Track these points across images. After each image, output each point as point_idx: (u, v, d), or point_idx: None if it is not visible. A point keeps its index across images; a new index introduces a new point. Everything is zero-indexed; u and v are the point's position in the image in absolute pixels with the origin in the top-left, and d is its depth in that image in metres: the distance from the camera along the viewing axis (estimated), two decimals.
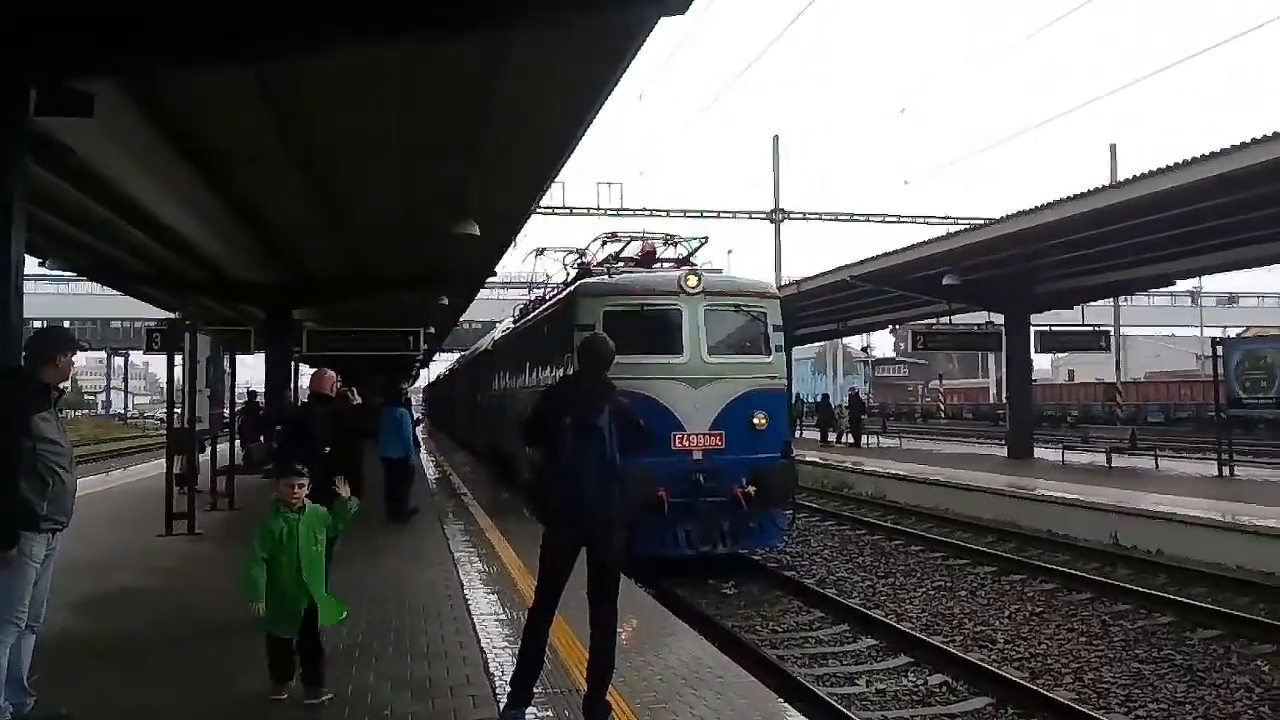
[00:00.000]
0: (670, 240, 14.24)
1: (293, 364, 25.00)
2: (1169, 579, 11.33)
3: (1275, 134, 12.14)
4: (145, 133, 9.54)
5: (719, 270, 12.87)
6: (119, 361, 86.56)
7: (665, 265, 13.39)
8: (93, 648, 6.33)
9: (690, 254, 13.80)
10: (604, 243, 14.50)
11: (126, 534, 11.51)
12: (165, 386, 14.49)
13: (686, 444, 11.06)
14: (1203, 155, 13.26)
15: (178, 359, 11.93)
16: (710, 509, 11.03)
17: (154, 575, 8.89)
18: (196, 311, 22.33)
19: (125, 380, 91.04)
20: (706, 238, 13.93)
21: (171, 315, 25.76)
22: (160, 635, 6.78)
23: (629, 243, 14.38)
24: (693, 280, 11.55)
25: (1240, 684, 7.49)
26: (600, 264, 13.61)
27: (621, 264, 13.56)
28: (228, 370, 14.59)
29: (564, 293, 13.46)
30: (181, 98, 8.94)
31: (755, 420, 11.36)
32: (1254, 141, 12.45)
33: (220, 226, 14.03)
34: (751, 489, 11.05)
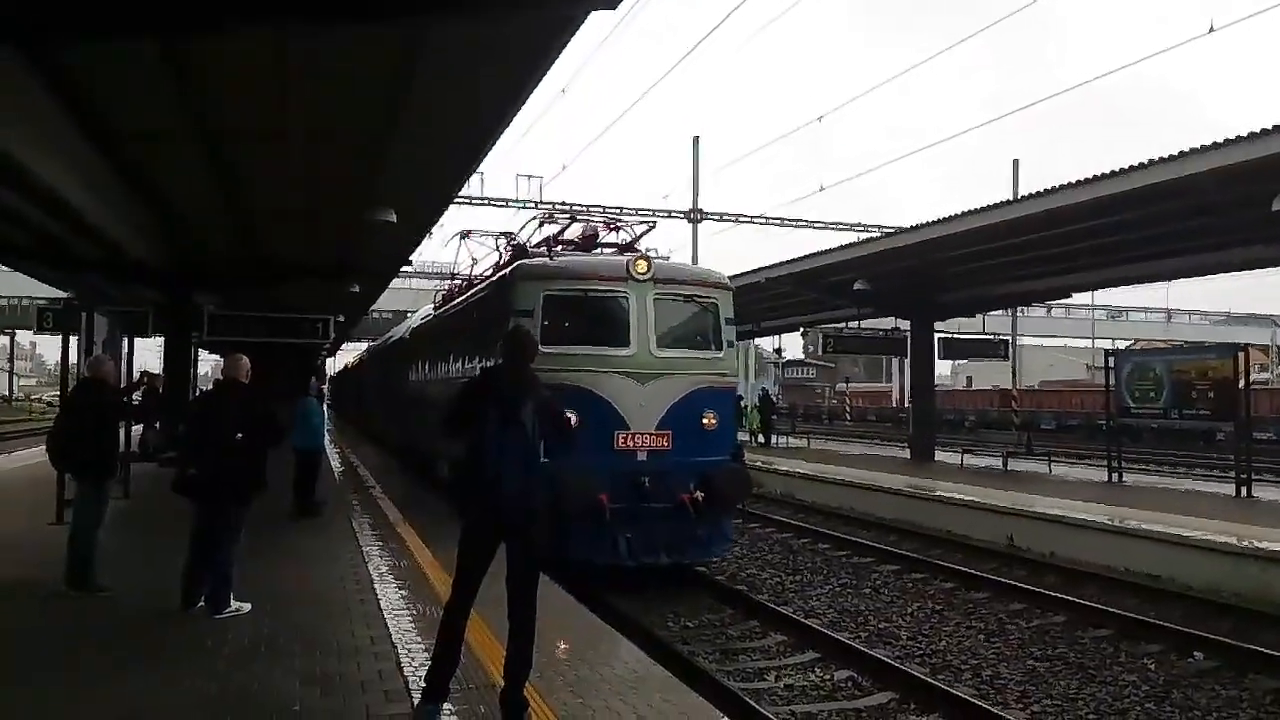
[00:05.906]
0: (613, 224, 13.21)
1: (192, 349, 24.11)
2: (1062, 579, 11.78)
3: (1163, 158, 12.62)
4: (41, 100, 9.07)
5: (667, 258, 11.95)
6: (4, 341, 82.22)
7: (607, 251, 12.40)
8: None
9: (635, 239, 12.77)
10: (541, 223, 13.33)
11: (15, 523, 10.98)
12: (54, 369, 13.83)
13: (631, 444, 10.18)
14: (1097, 175, 13.68)
15: (73, 340, 11.44)
16: (655, 516, 10.09)
17: (45, 566, 8.46)
18: (92, 291, 21.32)
19: (11, 361, 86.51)
20: (655, 223, 12.88)
21: (64, 295, 24.58)
22: (50, 628, 6.51)
23: (570, 224, 13.28)
24: (642, 265, 10.62)
25: (1129, 681, 7.84)
26: (537, 246, 12.59)
27: (561, 247, 12.51)
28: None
29: (498, 275, 12.29)
30: (80, 64, 8.52)
31: (705, 420, 10.55)
32: (1144, 165, 12.92)
33: (118, 202, 13.40)
34: (700, 495, 10.18)
